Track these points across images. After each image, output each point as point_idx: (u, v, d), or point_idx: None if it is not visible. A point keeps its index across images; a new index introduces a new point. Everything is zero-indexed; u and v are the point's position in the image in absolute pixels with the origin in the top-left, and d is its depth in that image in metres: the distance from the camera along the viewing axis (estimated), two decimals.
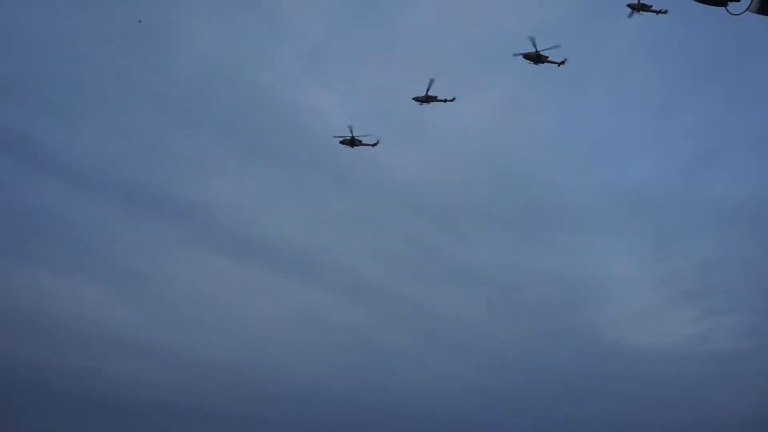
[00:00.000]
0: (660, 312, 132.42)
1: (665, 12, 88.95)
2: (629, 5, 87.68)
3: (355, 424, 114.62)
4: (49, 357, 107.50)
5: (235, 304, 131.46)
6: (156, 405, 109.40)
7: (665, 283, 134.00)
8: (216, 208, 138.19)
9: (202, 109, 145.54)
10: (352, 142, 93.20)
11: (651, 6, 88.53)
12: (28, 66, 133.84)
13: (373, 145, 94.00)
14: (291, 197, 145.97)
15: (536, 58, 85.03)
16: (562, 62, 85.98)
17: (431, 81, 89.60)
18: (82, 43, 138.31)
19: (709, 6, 15.94)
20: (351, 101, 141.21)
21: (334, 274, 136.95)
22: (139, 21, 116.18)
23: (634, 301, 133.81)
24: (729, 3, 15.62)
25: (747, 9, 15.41)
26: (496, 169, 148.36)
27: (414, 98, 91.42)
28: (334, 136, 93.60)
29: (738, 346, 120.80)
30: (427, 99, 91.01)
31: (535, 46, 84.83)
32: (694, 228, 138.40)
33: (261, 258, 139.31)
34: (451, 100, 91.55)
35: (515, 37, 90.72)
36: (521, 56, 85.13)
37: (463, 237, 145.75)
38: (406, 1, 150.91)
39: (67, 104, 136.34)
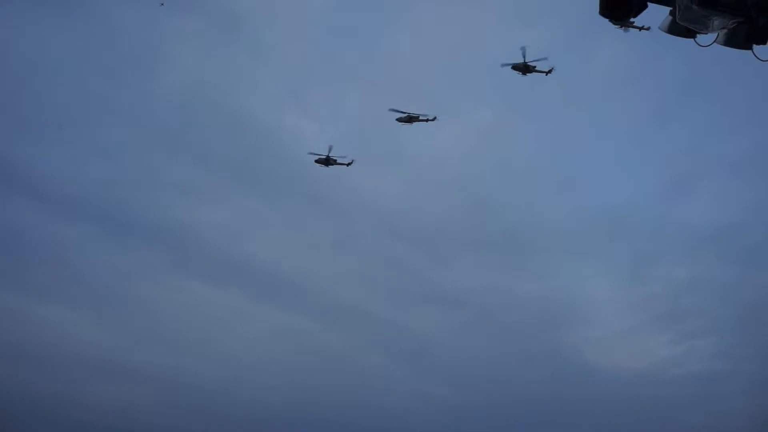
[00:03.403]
0: (636, 335, 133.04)
1: (648, 29, 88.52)
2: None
3: None
4: (26, 382, 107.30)
5: (214, 328, 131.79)
6: (135, 428, 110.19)
7: (641, 306, 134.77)
8: (195, 231, 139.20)
9: (183, 133, 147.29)
10: (327, 161, 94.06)
11: (633, 22, 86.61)
12: (7, 86, 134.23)
13: (348, 164, 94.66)
14: (270, 221, 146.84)
15: (524, 68, 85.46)
16: (550, 71, 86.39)
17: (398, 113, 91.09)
18: (63, 66, 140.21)
19: (678, 38, 16.52)
20: (331, 126, 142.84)
21: (313, 297, 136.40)
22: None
23: (611, 323, 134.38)
24: (697, 35, 16.11)
25: (714, 41, 16.05)
26: (475, 193, 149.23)
27: (397, 119, 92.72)
28: (309, 153, 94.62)
29: (713, 369, 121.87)
30: (409, 119, 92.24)
31: (524, 56, 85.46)
32: (670, 252, 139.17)
33: (240, 282, 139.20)
34: (433, 120, 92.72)
35: (494, 63, 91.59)
36: (509, 67, 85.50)
37: (442, 260, 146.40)
38: (386, 27, 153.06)
39: (46, 126, 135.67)
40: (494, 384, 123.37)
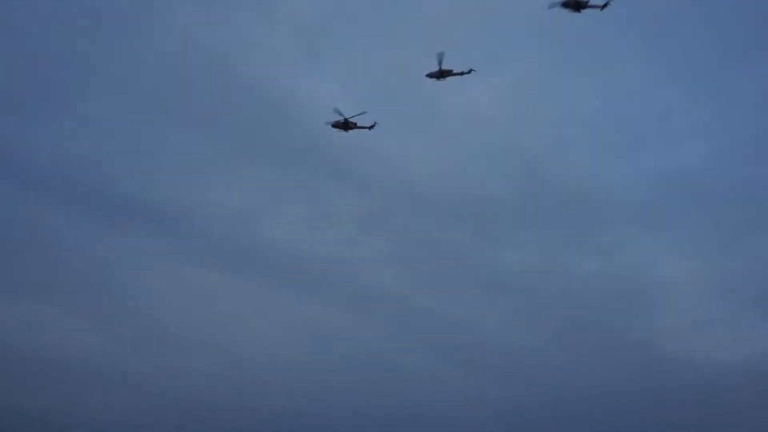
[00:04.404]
0: (728, 321, 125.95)
1: None
2: None
3: None
4: (13, 391, 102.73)
5: (227, 323, 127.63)
6: None
7: (732, 287, 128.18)
8: (200, 213, 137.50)
9: (182, 102, 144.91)
10: (346, 125, 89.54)
11: None
12: None
13: (370, 127, 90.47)
14: (287, 198, 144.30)
15: (576, 4, 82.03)
16: (606, 5, 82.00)
17: (441, 55, 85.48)
18: (43, 30, 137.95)
19: None
20: (351, 87, 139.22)
21: (339, 284, 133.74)
22: None
23: (695, 309, 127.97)
24: None
25: None
26: (521, 159, 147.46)
27: (427, 75, 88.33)
28: (326, 123, 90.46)
29: None
30: (442, 74, 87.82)
31: None
32: (762, 221, 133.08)
33: (255, 269, 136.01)
34: (468, 73, 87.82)
35: (535, 9, 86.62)
36: (559, 6, 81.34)
37: (486, 238, 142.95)
38: None
39: (26, 98, 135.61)
40: (556, 383, 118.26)
